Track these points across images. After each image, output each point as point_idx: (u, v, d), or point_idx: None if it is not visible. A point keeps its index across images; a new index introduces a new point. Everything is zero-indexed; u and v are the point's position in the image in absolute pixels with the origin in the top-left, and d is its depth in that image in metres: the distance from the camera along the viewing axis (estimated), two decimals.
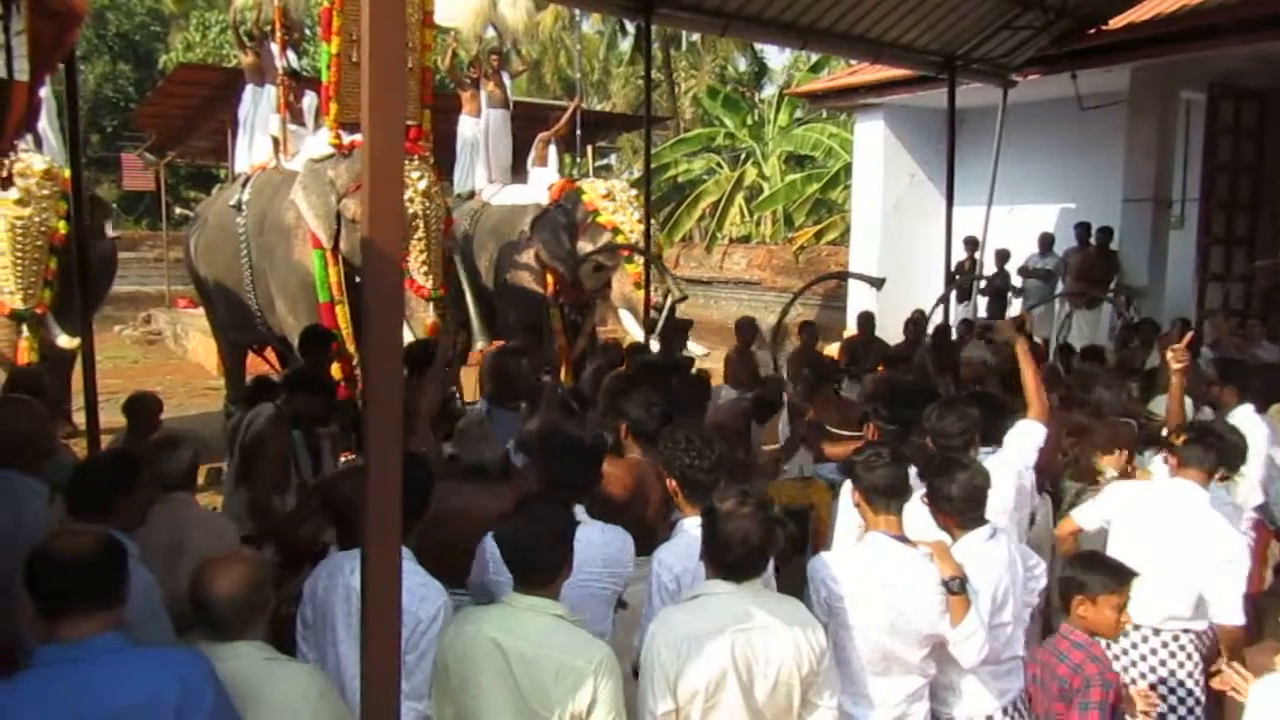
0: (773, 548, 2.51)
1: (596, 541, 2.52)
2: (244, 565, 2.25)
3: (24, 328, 7.22)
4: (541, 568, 2.39)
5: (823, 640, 2.53)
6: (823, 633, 2.56)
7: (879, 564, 2.81)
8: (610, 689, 2.29)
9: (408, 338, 7.26)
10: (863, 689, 2.79)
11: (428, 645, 2.51)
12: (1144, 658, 3.49)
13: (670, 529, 3.20)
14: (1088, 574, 2.97)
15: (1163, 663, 3.46)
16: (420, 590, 2.57)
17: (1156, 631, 3.48)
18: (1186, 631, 3.48)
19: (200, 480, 7.44)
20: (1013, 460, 3.73)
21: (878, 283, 6.53)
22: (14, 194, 7.05)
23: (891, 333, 8.55)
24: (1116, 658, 3.43)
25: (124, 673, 1.97)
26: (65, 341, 7.19)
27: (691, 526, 2.91)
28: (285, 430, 4.52)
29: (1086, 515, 3.80)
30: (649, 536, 3.31)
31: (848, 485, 3.70)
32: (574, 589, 2.63)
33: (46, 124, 7.81)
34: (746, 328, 7.84)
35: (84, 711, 1.91)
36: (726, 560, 2.45)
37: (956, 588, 2.78)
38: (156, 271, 18.78)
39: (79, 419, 6.42)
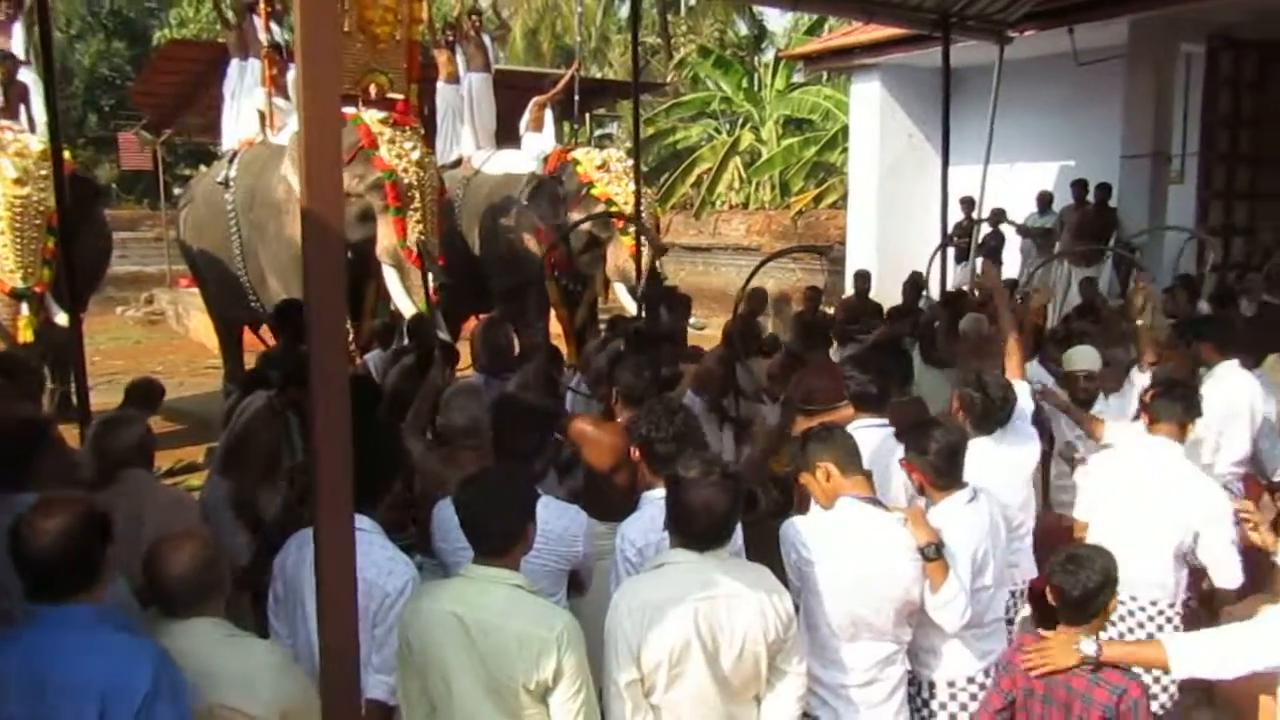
0: (737, 515, 2.50)
1: (541, 516, 2.52)
2: (197, 544, 2.25)
3: (24, 306, 7.28)
4: (496, 536, 2.38)
5: (790, 607, 2.52)
6: (790, 599, 2.56)
7: (849, 528, 2.80)
8: (575, 658, 2.29)
9: (407, 309, 7.22)
10: (832, 654, 2.79)
11: (396, 618, 2.52)
12: (1131, 631, 3.43)
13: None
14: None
15: (1150, 636, 3.36)
16: (388, 564, 2.59)
17: (1142, 607, 3.43)
18: (1172, 605, 3.45)
19: (199, 459, 7.44)
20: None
21: (824, 250, 6.46)
22: (13, 173, 7.09)
23: (889, 294, 8.50)
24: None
25: (69, 650, 2.02)
26: (64, 319, 7.24)
27: (655, 498, 2.92)
28: (276, 424, 4.36)
29: (1084, 508, 3.68)
30: (637, 502, 3.27)
31: None
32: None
33: (40, 107, 7.80)
34: (753, 297, 7.74)
35: (25, 676, 2.00)
36: (690, 529, 2.44)
37: (932, 554, 2.77)
38: (157, 251, 18.73)
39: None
